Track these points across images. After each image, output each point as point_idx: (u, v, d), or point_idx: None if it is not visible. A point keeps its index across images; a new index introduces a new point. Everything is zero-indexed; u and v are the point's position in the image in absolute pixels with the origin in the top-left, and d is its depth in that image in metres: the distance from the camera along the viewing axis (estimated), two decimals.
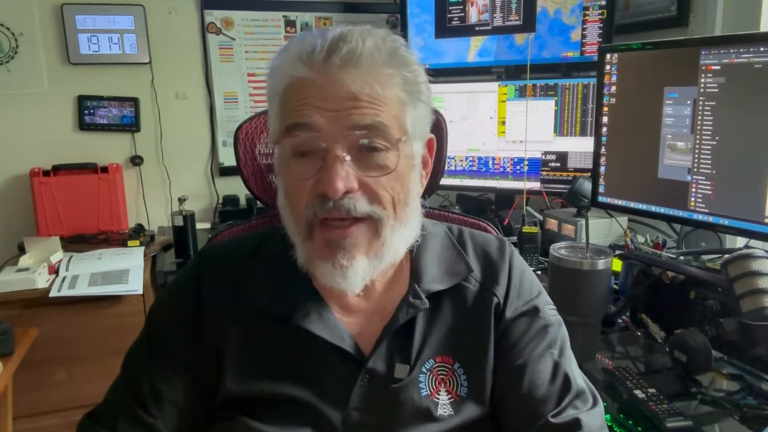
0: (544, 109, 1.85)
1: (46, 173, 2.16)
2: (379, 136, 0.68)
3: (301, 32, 0.75)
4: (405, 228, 0.74)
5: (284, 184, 0.73)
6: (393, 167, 0.69)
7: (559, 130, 1.84)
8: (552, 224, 1.74)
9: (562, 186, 1.83)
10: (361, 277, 0.71)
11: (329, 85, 0.67)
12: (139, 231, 2.19)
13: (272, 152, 0.78)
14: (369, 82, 0.67)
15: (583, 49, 1.91)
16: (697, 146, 1.24)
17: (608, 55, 1.41)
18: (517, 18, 2.00)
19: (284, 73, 0.70)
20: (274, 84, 0.72)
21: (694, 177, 1.26)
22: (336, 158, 0.67)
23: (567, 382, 0.75)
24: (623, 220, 1.63)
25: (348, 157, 0.67)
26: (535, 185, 1.89)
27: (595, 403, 0.75)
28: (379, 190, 0.69)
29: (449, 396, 0.74)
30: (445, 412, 0.73)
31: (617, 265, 1.32)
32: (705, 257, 1.28)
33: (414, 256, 0.79)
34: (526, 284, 0.82)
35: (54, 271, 1.89)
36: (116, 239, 2.15)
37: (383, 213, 0.70)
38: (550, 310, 0.82)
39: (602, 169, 1.47)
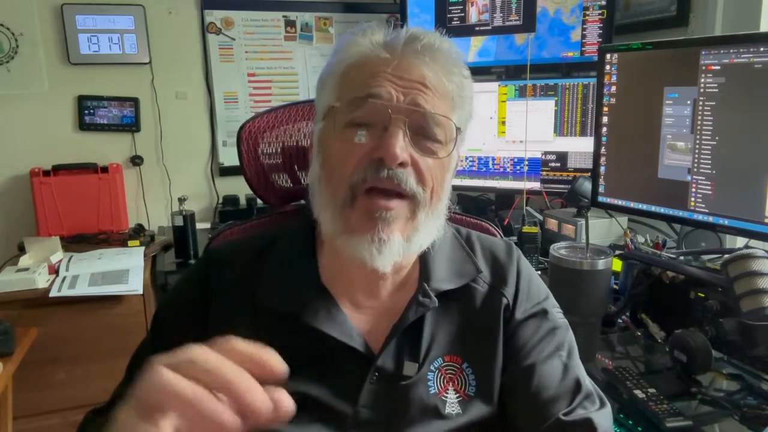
0: (544, 109, 1.85)
1: (46, 173, 2.16)
2: (436, 124, 0.72)
3: (361, 25, 0.80)
4: (434, 220, 0.76)
5: (330, 150, 0.74)
6: (441, 156, 0.73)
7: (559, 130, 1.84)
8: (552, 224, 1.74)
9: (562, 186, 1.83)
10: (396, 254, 0.72)
11: (405, 65, 0.71)
12: (139, 231, 2.19)
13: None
14: (438, 74, 0.72)
15: (583, 49, 1.91)
16: (697, 146, 1.24)
17: (608, 55, 1.41)
18: (517, 18, 2.00)
19: (357, 51, 0.73)
20: (338, 61, 0.75)
21: (694, 177, 1.26)
22: (399, 128, 0.69)
23: (577, 382, 0.76)
24: (623, 220, 1.63)
25: (408, 133, 0.70)
26: (535, 185, 1.89)
27: (602, 404, 0.76)
28: (426, 172, 0.72)
29: (457, 395, 0.74)
30: (453, 411, 0.73)
31: (617, 265, 1.32)
32: (705, 257, 1.28)
33: (424, 256, 0.80)
34: (534, 287, 0.83)
35: (54, 271, 1.89)
36: (116, 239, 2.15)
37: (424, 196, 0.72)
38: (557, 313, 0.83)
39: (602, 169, 1.47)
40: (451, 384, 0.75)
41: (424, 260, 0.80)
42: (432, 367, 0.75)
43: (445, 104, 0.73)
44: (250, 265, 0.78)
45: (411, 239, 0.73)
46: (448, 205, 0.80)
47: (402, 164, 0.69)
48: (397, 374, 0.73)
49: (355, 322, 0.75)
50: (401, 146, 0.69)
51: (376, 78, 0.70)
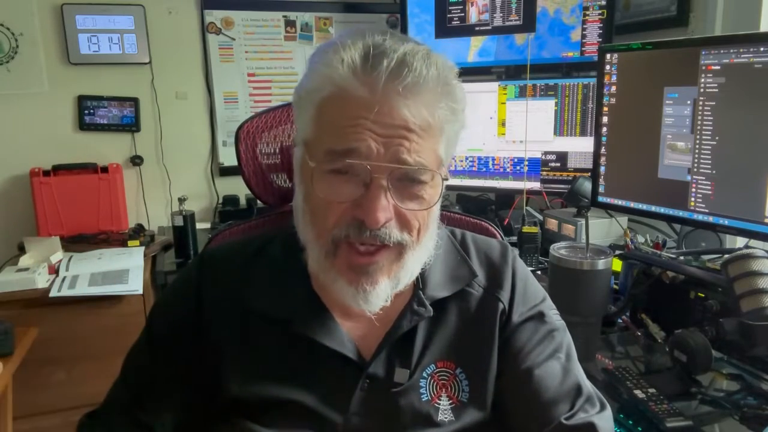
0: (544, 109, 1.85)
1: (46, 173, 2.16)
2: (422, 173, 0.67)
3: (344, 33, 0.69)
4: (423, 250, 0.73)
5: (312, 195, 0.69)
6: (429, 201, 0.69)
7: (559, 130, 1.84)
8: (552, 224, 1.74)
9: (562, 186, 1.83)
10: (383, 299, 0.70)
11: (387, 111, 0.64)
12: (139, 231, 2.19)
13: (290, 147, 0.74)
14: (423, 114, 0.65)
15: (583, 49, 1.91)
16: (697, 146, 1.24)
17: (608, 55, 1.41)
18: (517, 18, 2.00)
19: (331, 81, 0.66)
20: (314, 89, 0.68)
21: (694, 177, 1.26)
22: (380, 187, 0.65)
23: (577, 385, 0.75)
24: (623, 220, 1.63)
25: (391, 188, 0.66)
26: (535, 185, 1.89)
27: (602, 407, 0.75)
28: (411, 218, 0.68)
29: (450, 401, 0.74)
30: (445, 418, 0.73)
31: (617, 265, 1.32)
32: (705, 257, 1.28)
33: None
34: (530, 289, 0.82)
35: (54, 271, 1.89)
36: (116, 239, 2.15)
37: (410, 240, 0.69)
38: (554, 315, 0.82)
39: (602, 169, 1.47)
40: (444, 390, 0.74)
41: None
42: (424, 374, 0.74)
43: (432, 138, 0.67)
44: (242, 270, 0.77)
45: (399, 277, 0.71)
46: (439, 221, 0.78)
47: (385, 222, 0.66)
48: (388, 381, 0.72)
49: (346, 329, 0.74)
50: (383, 207, 0.65)
51: (356, 127, 0.64)
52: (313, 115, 0.69)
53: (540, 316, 0.79)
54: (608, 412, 0.75)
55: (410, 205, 0.68)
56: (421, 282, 0.77)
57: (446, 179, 0.70)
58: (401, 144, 0.64)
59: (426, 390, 0.73)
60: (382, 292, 0.70)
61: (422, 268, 0.76)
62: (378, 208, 0.64)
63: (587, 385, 0.77)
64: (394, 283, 0.71)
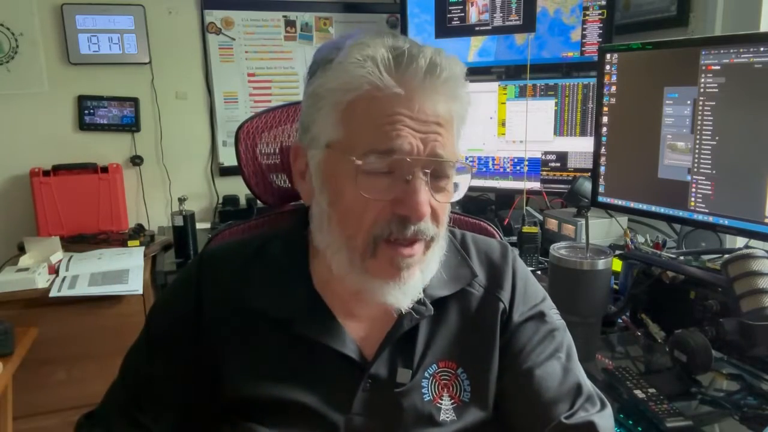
0: (544, 109, 1.85)
1: (46, 173, 2.16)
2: (450, 165, 0.69)
3: (355, 34, 0.70)
4: (443, 243, 0.75)
5: (344, 195, 0.68)
6: (452, 193, 0.71)
7: (559, 130, 1.84)
8: (552, 224, 1.74)
9: (562, 186, 1.83)
10: (417, 291, 0.72)
11: (424, 106, 0.66)
12: (139, 231, 2.19)
13: (305, 150, 0.73)
14: (451, 107, 0.69)
15: (583, 49, 1.91)
16: (697, 146, 1.24)
17: (608, 55, 1.41)
18: (517, 18, 2.00)
19: (366, 80, 0.66)
20: (344, 88, 0.67)
21: (694, 177, 1.26)
22: (422, 182, 0.66)
23: (577, 384, 0.75)
24: (623, 220, 1.63)
25: (428, 181, 0.67)
26: (535, 185, 1.89)
27: (603, 406, 0.75)
28: (441, 213, 0.71)
29: (452, 401, 0.74)
30: (447, 417, 0.73)
31: (617, 265, 1.32)
32: (705, 257, 1.28)
33: None
34: (531, 289, 0.82)
35: (54, 271, 1.89)
36: (116, 239, 2.15)
37: (438, 233, 0.71)
38: (555, 315, 0.82)
39: (602, 169, 1.47)
40: (446, 390, 0.74)
41: None
42: (426, 374, 0.74)
43: (453, 132, 0.71)
44: (243, 269, 0.77)
45: (427, 270, 0.73)
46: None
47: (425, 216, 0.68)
48: (390, 382, 0.73)
49: (348, 329, 0.74)
50: (426, 202, 0.66)
51: (394, 125, 0.65)
52: (342, 116, 0.68)
53: (540, 316, 0.80)
54: (608, 410, 0.75)
55: (440, 197, 0.70)
56: None
57: (472, 170, 0.74)
58: (436, 139, 0.67)
59: (428, 390, 0.73)
60: (418, 285, 0.71)
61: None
62: (421, 201, 0.66)
63: (587, 384, 0.77)
64: (423, 276, 0.72)
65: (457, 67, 0.68)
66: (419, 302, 0.75)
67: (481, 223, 0.98)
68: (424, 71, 0.65)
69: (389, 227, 0.67)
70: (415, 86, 0.66)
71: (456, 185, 0.72)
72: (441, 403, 0.73)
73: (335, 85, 0.68)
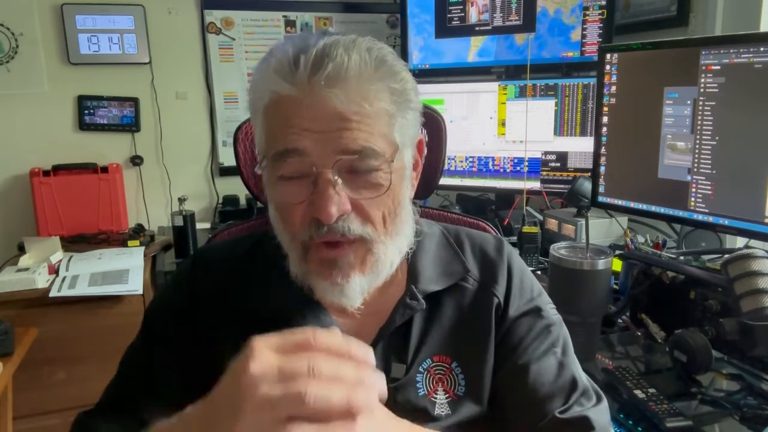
0: (544, 109, 1.85)
1: (46, 173, 2.16)
2: (370, 157, 0.66)
3: (282, 39, 0.70)
4: (397, 239, 0.73)
5: (273, 202, 0.72)
6: (386, 186, 0.68)
7: (559, 130, 1.84)
8: (552, 224, 1.74)
9: (562, 186, 1.83)
10: (359, 293, 0.71)
11: (316, 105, 0.64)
12: (139, 231, 2.19)
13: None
14: (356, 100, 0.64)
15: (583, 49, 1.91)
16: (697, 146, 1.24)
17: (608, 55, 1.41)
18: (517, 18, 2.00)
19: (265, 88, 0.67)
20: (255, 100, 0.70)
21: (694, 177, 1.26)
22: (328, 182, 0.64)
23: (572, 379, 0.75)
24: (623, 220, 1.63)
25: (339, 180, 0.65)
26: (535, 185, 1.89)
27: (599, 400, 0.75)
28: (371, 210, 0.68)
29: (447, 395, 0.74)
30: (442, 412, 0.73)
31: (617, 265, 1.32)
32: (705, 257, 1.27)
33: (410, 257, 0.79)
34: (526, 283, 0.82)
35: (54, 271, 1.89)
36: (116, 239, 2.15)
37: (374, 233, 0.69)
38: (551, 309, 0.82)
39: (602, 169, 1.47)
40: (440, 384, 0.74)
41: (410, 261, 0.79)
42: (421, 369, 0.74)
43: (379, 124, 0.66)
44: (237, 267, 0.78)
45: (376, 270, 0.71)
46: (418, 204, 0.79)
47: (342, 214, 0.66)
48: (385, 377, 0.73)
49: (341, 325, 0.74)
50: (335, 201, 0.64)
51: (291, 127, 0.64)
52: (261, 125, 0.70)
53: (537, 311, 0.79)
54: (604, 404, 0.75)
55: (366, 193, 0.67)
56: (413, 277, 0.77)
57: (414, 163, 0.74)
58: (341, 135, 0.64)
59: (423, 384, 0.74)
60: (357, 286, 0.70)
61: (412, 261, 0.77)
62: (327, 202, 0.64)
63: (583, 379, 0.77)
64: (371, 278, 0.71)
65: (352, 56, 0.64)
66: (411, 297, 0.75)
67: (480, 223, 0.98)
68: (309, 68, 0.63)
69: (309, 231, 0.67)
70: (305, 85, 0.64)
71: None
72: (435, 398, 0.73)
73: (251, 98, 0.71)
